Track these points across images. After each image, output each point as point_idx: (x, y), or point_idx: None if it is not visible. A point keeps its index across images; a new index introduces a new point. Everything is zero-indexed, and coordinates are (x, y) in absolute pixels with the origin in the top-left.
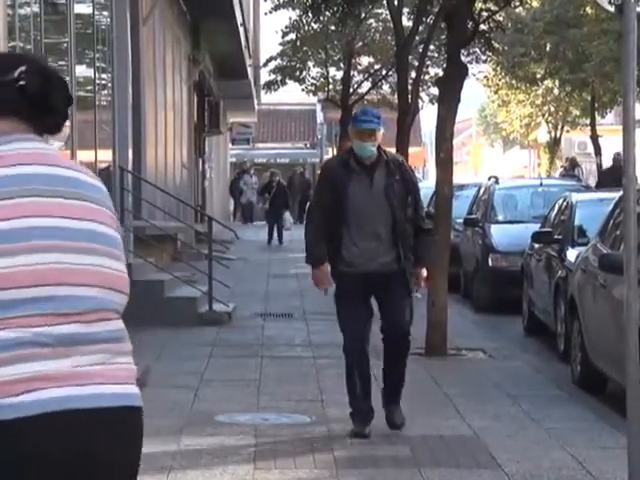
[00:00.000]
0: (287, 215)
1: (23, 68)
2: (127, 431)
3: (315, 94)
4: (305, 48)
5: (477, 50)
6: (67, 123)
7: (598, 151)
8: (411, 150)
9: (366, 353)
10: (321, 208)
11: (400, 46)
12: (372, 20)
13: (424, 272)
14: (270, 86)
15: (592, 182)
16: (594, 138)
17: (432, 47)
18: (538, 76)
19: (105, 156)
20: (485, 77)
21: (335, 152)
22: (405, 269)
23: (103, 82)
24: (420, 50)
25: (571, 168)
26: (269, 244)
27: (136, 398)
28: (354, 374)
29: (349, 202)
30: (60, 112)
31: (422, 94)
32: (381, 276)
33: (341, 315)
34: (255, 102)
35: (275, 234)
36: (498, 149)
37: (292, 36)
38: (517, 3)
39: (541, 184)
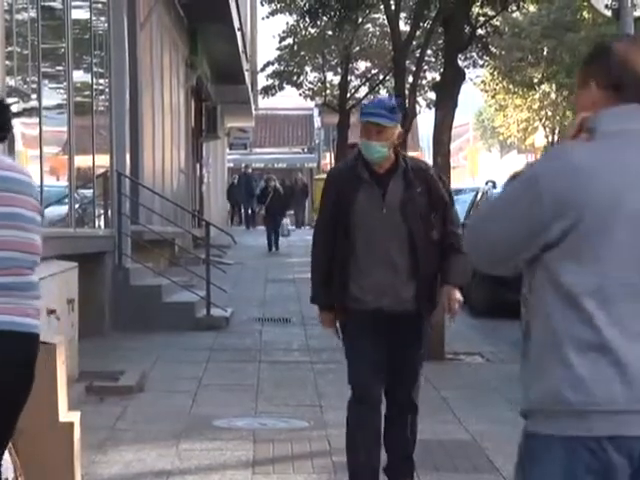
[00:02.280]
0: (285, 221)
1: None
2: (32, 349)
3: (312, 99)
4: (302, 53)
5: (474, 55)
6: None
7: None
8: (409, 155)
9: (377, 406)
10: (326, 228)
11: (397, 51)
12: (369, 25)
13: (457, 294)
14: (267, 91)
15: None
16: None
17: (429, 52)
18: (535, 80)
19: (103, 161)
20: (482, 81)
21: (333, 157)
22: (421, 311)
23: (100, 87)
24: (417, 55)
25: None
26: (270, 251)
27: (39, 327)
28: (359, 430)
29: (356, 220)
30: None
31: (419, 99)
32: (393, 316)
33: (349, 357)
34: (252, 107)
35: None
36: (495, 154)
37: (289, 41)
38: (514, 8)
39: None
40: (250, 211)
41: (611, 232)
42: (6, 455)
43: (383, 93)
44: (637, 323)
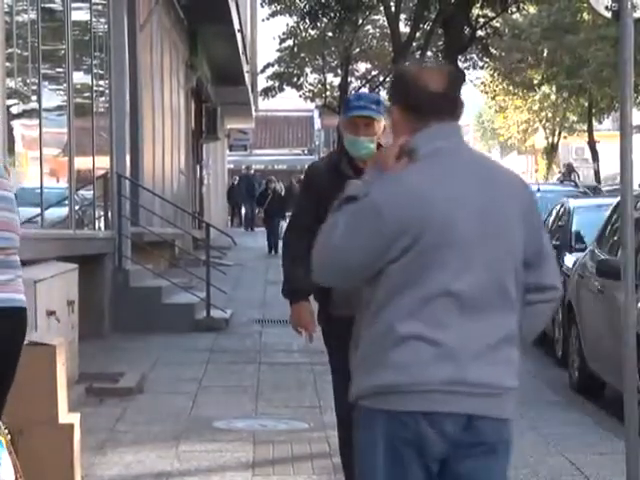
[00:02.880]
0: (283, 224)
1: None
2: (23, 322)
3: (312, 100)
4: (302, 54)
5: (474, 56)
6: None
7: (595, 157)
8: None
9: None
10: (303, 227)
11: (397, 52)
12: (369, 26)
13: None
14: (267, 92)
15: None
16: (591, 144)
17: (429, 53)
18: (535, 82)
19: (103, 163)
20: (482, 83)
21: None
22: None
23: (100, 89)
24: (417, 56)
25: (567, 174)
26: (270, 253)
27: (25, 302)
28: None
29: None
30: None
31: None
32: None
33: (333, 370)
34: (252, 108)
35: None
36: (495, 155)
37: (289, 42)
38: (514, 9)
39: (539, 190)
40: (250, 213)
41: (447, 245)
42: (6, 456)
43: (383, 95)
44: (456, 320)
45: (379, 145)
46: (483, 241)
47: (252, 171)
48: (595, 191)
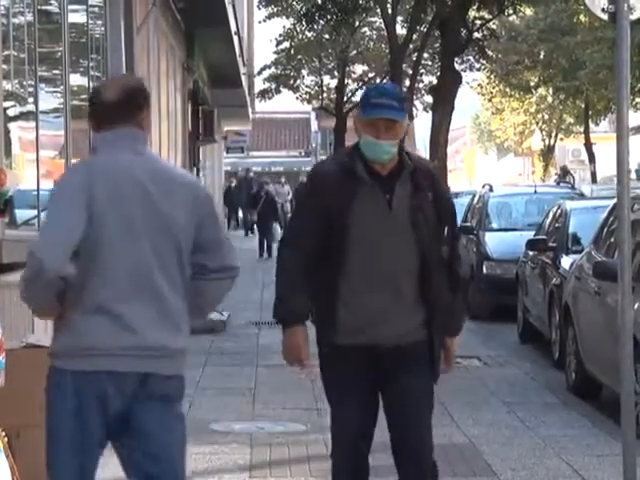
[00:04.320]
0: (277, 227)
1: None
2: None
3: (309, 102)
4: (299, 56)
5: (471, 58)
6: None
7: (592, 159)
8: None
9: (364, 467)
10: (303, 239)
11: (394, 54)
12: (366, 28)
13: (456, 344)
14: (264, 94)
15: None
16: (588, 146)
17: (426, 55)
18: (532, 84)
19: None
20: (479, 85)
21: None
22: (435, 342)
23: None
24: (414, 58)
25: (563, 176)
26: (260, 257)
27: None
28: None
29: (353, 232)
30: None
31: (416, 102)
32: (396, 352)
33: (333, 409)
34: (249, 110)
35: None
36: (492, 157)
37: (286, 44)
38: (511, 11)
39: (535, 192)
40: (250, 217)
41: (112, 230)
42: (3, 459)
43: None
44: (134, 295)
45: (401, 148)
46: (146, 232)
47: (251, 174)
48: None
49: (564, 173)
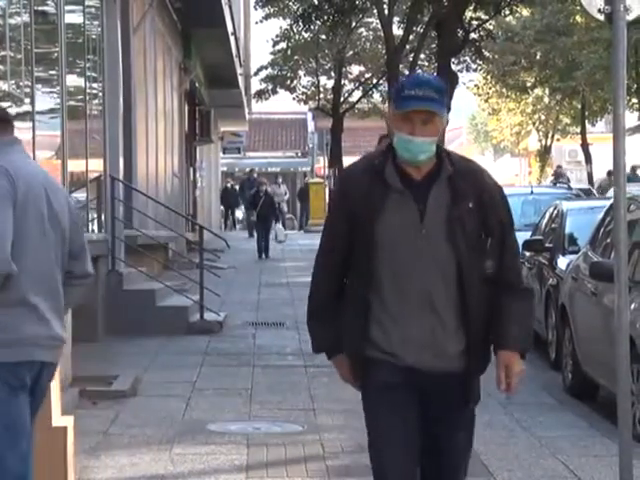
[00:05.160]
0: (279, 227)
1: None
2: None
3: (306, 103)
4: (296, 57)
5: (467, 59)
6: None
7: (588, 159)
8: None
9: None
10: (335, 255)
11: (390, 55)
12: (363, 29)
13: (518, 364)
14: (261, 95)
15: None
16: (584, 146)
17: (422, 56)
18: (528, 84)
19: (96, 165)
20: (475, 85)
21: (326, 162)
22: (473, 372)
23: (94, 91)
24: (410, 59)
25: (557, 177)
26: (260, 258)
27: None
28: None
29: (382, 243)
30: None
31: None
32: (433, 380)
33: (371, 428)
34: (246, 111)
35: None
36: (489, 157)
37: (283, 45)
38: (507, 12)
39: (532, 192)
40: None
41: (20, 233)
42: None
43: (376, 97)
44: (44, 286)
45: (440, 149)
46: (51, 231)
47: (255, 174)
48: (587, 194)
49: (557, 174)
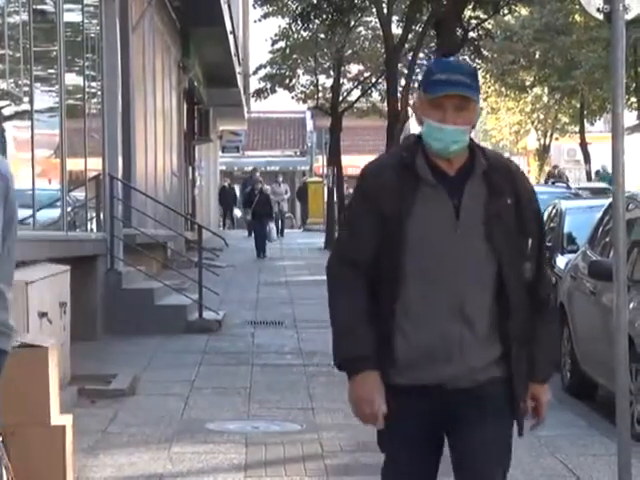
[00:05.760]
0: (272, 227)
1: None
2: None
3: (305, 102)
4: (295, 56)
5: (466, 58)
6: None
7: (587, 158)
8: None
9: None
10: (362, 255)
11: (389, 54)
12: (361, 28)
13: (546, 393)
14: (260, 94)
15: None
16: (583, 145)
17: (421, 54)
18: (527, 83)
19: (95, 164)
20: None
21: (325, 161)
22: (515, 381)
23: (93, 90)
24: (409, 57)
25: (558, 176)
26: (259, 257)
27: None
28: None
29: (410, 246)
30: None
31: (411, 101)
32: (464, 395)
33: (387, 460)
34: (245, 110)
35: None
36: None
37: (282, 44)
38: (506, 11)
39: None
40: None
41: None
42: None
43: (375, 96)
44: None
45: (472, 142)
46: (13, 220)
47: (257, 173)
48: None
49: (550, 175)
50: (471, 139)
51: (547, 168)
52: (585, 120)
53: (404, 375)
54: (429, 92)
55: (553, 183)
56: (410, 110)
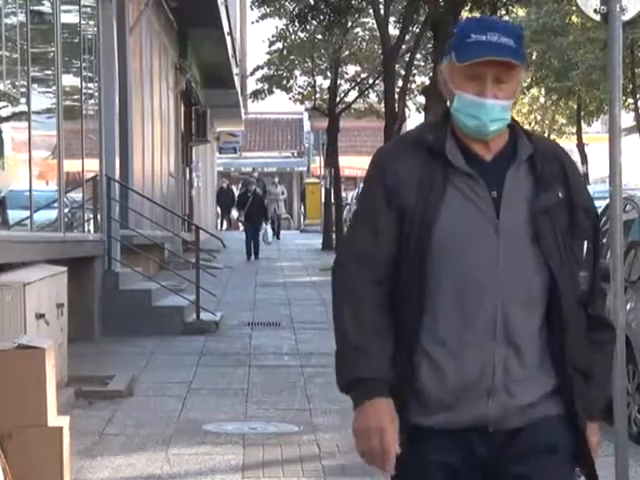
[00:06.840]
0: (267, 229)
1: None
2: None
3: (302, 103)
4: (292, 57)
5: None
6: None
7: (584, 159)
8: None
9: None
10: (375, 258)
11: (387, 55)
12: (359, 29)
13: (597, 432)
14: (257, 95)
15: None
16: (580, 146)
17: (418, 56)
18: (524, 84)
19: (92, 165)
20: None
21: (322, 162)
22: (582, 421)
23: (90, 91)
24: (406, 59)
25: None
26: (249, 260)
27: None
28: None
29: (439, 249)
30: None
31: (409, 102)
32: (512, 438)
33: None
34: (242, 111)
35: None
36: None
37: (279, 45)
38: (503, 12)
39: None
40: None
41: None
42: None
43: (373, 97)
44: None
45: (514, 121)
46: None
47: (256, 174)
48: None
49: None
50: (512, 117)
51: None
52: (582, 121)
53: (430, 414)
54: (463, 58)
55: None
56: (407, 111)
